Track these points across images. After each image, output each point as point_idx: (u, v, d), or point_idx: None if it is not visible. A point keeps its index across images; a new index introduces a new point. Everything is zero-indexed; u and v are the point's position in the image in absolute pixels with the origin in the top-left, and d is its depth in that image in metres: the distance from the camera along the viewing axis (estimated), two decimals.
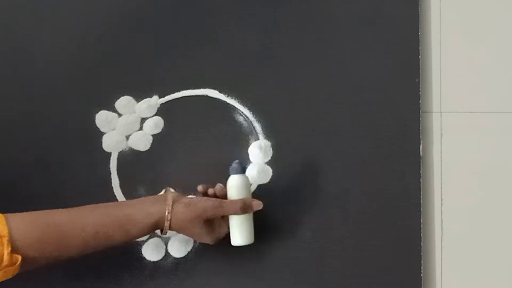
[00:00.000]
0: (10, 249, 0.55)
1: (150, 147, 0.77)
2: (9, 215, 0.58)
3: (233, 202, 0.67)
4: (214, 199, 0.67)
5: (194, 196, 0.68)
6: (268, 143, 0.76)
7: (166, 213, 0.63)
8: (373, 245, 0.72)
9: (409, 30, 0.80)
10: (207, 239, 0.67)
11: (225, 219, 0.68)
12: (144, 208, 0.64)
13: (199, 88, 0.79)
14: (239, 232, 0.68)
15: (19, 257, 0.55)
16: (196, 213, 0.64)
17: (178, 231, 0.66)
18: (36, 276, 0.72)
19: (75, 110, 0.78)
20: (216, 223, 0.67)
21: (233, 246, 0.69)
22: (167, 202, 0.64)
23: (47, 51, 0.80)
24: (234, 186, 0.68)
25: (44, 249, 0.58)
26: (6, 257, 0.54)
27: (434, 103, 0.79)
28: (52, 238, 0.59)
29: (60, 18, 0.81)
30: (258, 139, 0.77)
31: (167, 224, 0.63)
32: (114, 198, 0.74)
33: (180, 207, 0.64)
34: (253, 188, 0.74)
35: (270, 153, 0.76)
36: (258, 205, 0.67)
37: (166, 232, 0.64)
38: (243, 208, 0.66)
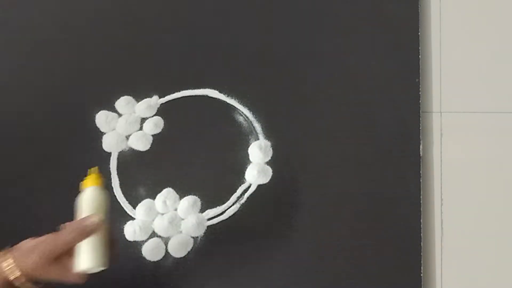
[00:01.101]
0: None
1: (150, 147, 0.77)
2: None
3: (68, 228, 0.57)
4: (48, 236, 0.57)
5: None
6: (268, 143, 0.76)
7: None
8: (373, 245, 0.72)
9: (409, 30, 0.80)
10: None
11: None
12: None
13: (199, 88, 0.79)
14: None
15: None
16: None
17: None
18: None
19: (75, 110, 0.78)
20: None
21: (232, 245, 0.68)
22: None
23: (47, 51, 0.80)
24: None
25: None
26: None
27: (434, 103, 0.79)
28: None
29: (60, 17, 0.81)
30: (258, 139, 0.77)
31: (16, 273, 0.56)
32: (114, 198, 0.74)
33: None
34: (253, 188, 0.74)
35: (270, 153, 0.76)
36: (92, 222, 0.57)
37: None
38: (80, 231, 0.56)
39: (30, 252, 0.56)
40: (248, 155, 0.76)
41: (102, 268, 0.57)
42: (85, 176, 0.61)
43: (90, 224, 0.57)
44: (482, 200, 0.76)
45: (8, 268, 0.55)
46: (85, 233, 0.56)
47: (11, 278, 0.55)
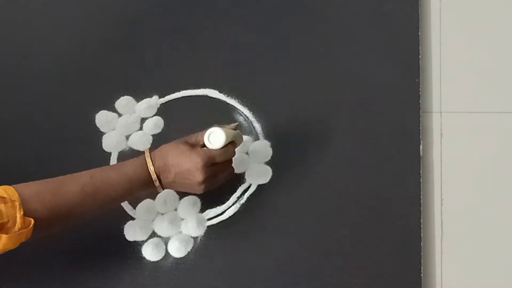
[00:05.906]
0: (22, 212, 0.55)
1: (150, 147, 0.77)
2: (17, 185, 0.58)
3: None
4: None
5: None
6: (268, 143, 0.76)
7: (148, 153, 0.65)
8: (373, 245, 0.72)
9: (409, 30, 0.80)
10: (200, 177, 0.64)
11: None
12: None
13: (199, 88, 0.79)
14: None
15: (32, 220, 0.56)
16: (177, 141, 0.66)
17: (170, 173, 0.65)
18: (35, 276, 0.72)
19: (75, 110, 0.78)
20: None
21: (232, 245, 0.69)
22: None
23: (47, 51, 0.80)
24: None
25: (54, 210, 0.59)
26: (19, 220, 0.55)
27: (434, 103, 0.79)
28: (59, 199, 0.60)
29: (61, 18, 0.81)
30: (258, 139, 0.77)
31: (150, 158, 0.64)
32: None
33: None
34: (253, 188, 0.74)
35: (270, 153, 0.76)
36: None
37: (159, 184, 0.65)
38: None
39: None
40: (248, 155, 0.76)
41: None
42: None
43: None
44: (482, 200, 0.76)
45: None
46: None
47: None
